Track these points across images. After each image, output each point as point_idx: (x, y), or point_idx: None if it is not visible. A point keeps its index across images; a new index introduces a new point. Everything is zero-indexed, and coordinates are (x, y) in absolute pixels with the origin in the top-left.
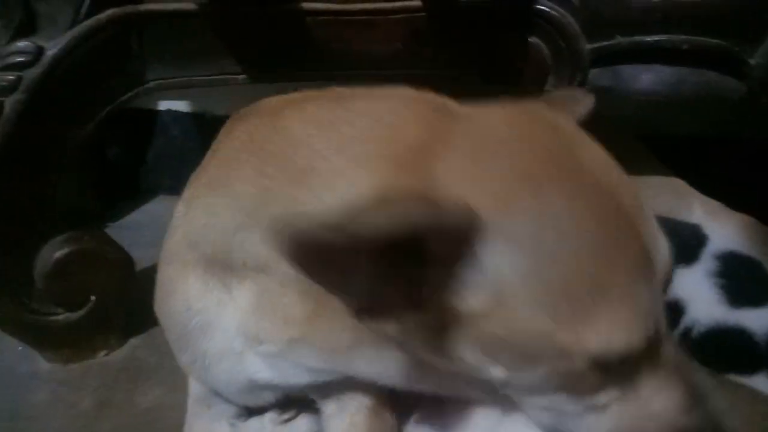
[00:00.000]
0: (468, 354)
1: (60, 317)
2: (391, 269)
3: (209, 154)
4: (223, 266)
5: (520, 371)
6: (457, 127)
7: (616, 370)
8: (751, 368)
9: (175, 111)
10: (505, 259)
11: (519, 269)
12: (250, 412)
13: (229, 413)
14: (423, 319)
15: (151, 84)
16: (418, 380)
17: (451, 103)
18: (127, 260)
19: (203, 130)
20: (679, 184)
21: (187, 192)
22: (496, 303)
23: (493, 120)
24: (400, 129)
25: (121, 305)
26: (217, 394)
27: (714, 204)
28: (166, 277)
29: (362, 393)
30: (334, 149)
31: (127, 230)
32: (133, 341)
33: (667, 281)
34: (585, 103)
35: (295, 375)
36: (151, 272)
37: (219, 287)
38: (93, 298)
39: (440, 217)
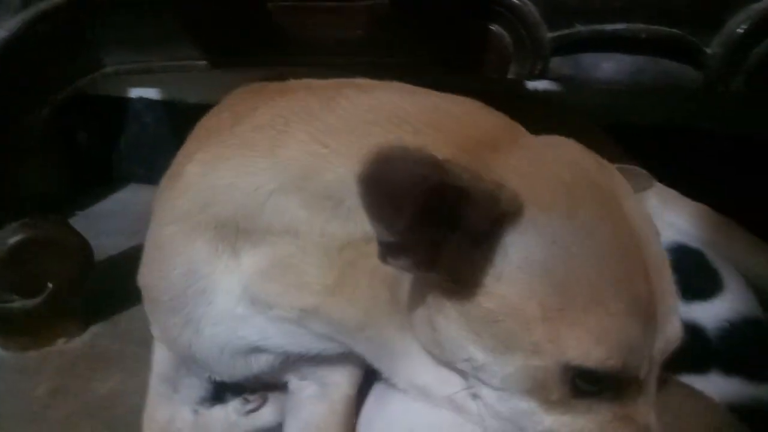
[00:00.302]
0: (456, 325)
1: (16, 304)
2: (430, 223)
3: (225, 118)
4: (237, 229)
5: (498, 357)
6: (523, 137)
7: (583, 390)
8: (705, 366)
9: (147, 98)
10: (524, 248)
11: (533, 260)
12: (216, 398)
13: (194, 398)
14: (434, 277)
15: (109, 69)
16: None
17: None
18: (86, 247)
19: (176, 118)
20: (640, 173)
21: (204, 154)
22: (498, 280)
23: (558, 142)
24: (471, 125)
25: (81, 292)
26: (194, 363)
27: (669, 193)
28: (164, 238)
29: (347, 383)
30: (405, 131)
31: (97, 218)
32: (95, 328)
33: (669, 354)
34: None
35: (303, 341)
36: (120, 259)
37: (228, 252)
38: (50, 285)
39: (494, 191)
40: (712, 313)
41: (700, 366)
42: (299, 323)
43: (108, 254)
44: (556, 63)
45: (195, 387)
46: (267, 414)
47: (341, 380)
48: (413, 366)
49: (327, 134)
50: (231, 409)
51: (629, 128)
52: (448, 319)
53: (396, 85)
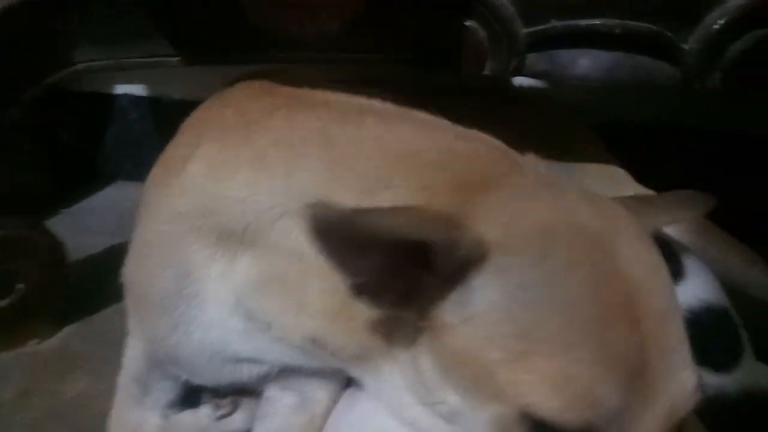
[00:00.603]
0: (432, 366)
1: None
2: (399, 266)
3: (229, 115)
4: (240, 242)
5: (468, 401)
6: (520, 177)
7: None
8: None
9: (132, 95)
10: (489, 292)
11: (496, 304)
12: (186, 402)
13: (165, 402)
14: (406, 315)
15: (80, 66)
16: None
17: (519, 156)
18: (57, 247)
19: (161, 114)
20: (618, 173)
21: (207, 153)
22: (465, 322)
23: (554, 182)
24: (475, 164)
25: (52, 293)
26: (176, 365)
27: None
28: (158, 236)
29: (326, 392)
30: (409, 170)
31: (82, 215)
32: (68, 330)
33: (678, 414)
34: (693, 206)
35: (301, 359)
36: (99, 258)
37: (227, 260)
38: (20, 286)
39: (453, 239)
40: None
41: None
42: (299, 347)
43: (88, 253)
44: (532, 59)
45: (167, 390)
46: (238, 420)
47: (324, 395)
48: (403, 400)
49: (340, 165)
50: (202, 414)
51: (616, 126)
52: (425, 359)
53: (416, 117)
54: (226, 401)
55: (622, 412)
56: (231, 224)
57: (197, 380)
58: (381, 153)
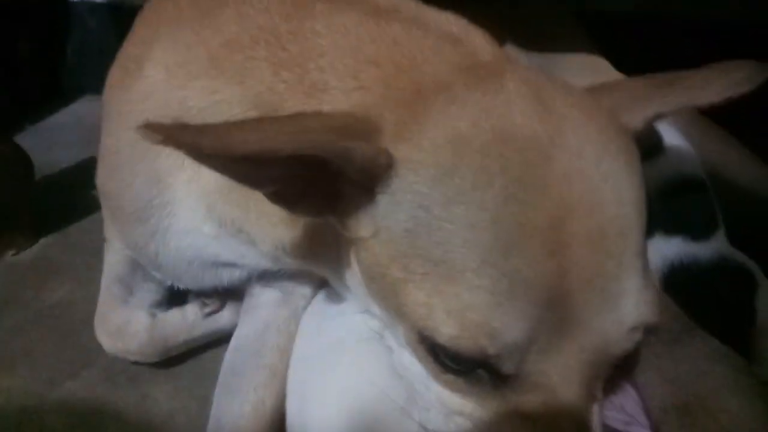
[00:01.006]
0: (357, 276)
1: None
2: (305, 174)
3: (183, 6)
4: None
5: (385, 312)
6: (460, 74)
7: (450, 366)
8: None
9: (90, 2)
10: (393, 208)
11: (400, 221)
12: (171, 301)
13: (150, 302)
14: (323, 221)
15: None
16: None
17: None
18: (26, 160)
19: (122, 22)
20: (601, 63)
21: (164, 54)
22: (374, 236)
23: (510, 78)
24: (413, 61)
25: (24, 206)
26: (159, 271)
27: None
28: (124, 143)
29: (309, 287)
30: (347, 69)
31: (49, 131)
32: (45, 240)
33: (613, 350)
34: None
35: (279, 262)
36: (71, 171)
37: (192, 165)
38: None
39: (350, 153)
40: (652, 172)
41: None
42: (267, 253)
43: (60, 167)
44: None
45: (151, 291)
46: (225, 316)
47: (307, 290)
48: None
49: (285, 67)
50: (188, 312)
51: (601, 15)
52: (351, 269)
53: (374, 4)
54: (213, 299)
55: (529, 345)
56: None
57: (180, 284)
58: (324, 50)
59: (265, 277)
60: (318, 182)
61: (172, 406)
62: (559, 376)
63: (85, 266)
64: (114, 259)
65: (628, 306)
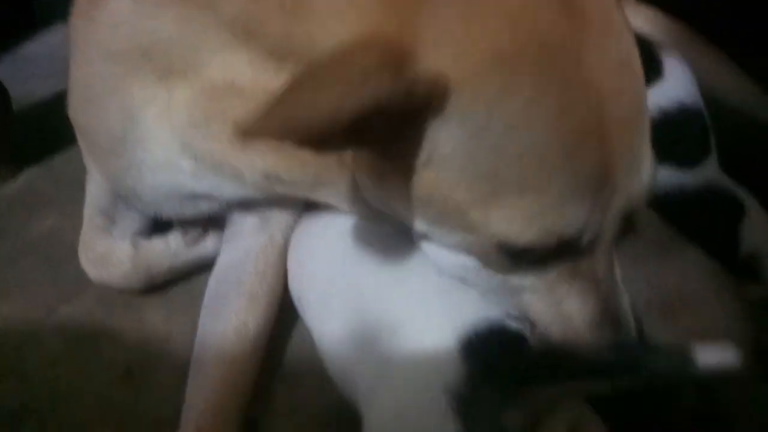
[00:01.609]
0: (397, 200)
1: None
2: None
3: None
4: (181, 79)
5: (438, 229)
6: None
7: (525, 260)
8: None
9: None
10: (449, 137)
11: (459, 147)
12: (154, 229)
13: (133, 231)
14: (366, 157)
15: None
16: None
17: None
18: (2, 92)
19: None
20: None
21: None
22: (426, 165)
23: None
24: None
25: (5, 137)
26: (136, 201)
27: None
28: (94, 76)
29: (288, 212)
30: None
31: (25, 62)
32: (29, 172)
33: (634, 207)
34: None
35: (258, 192)
36: (51, 102)
37: (166, 99)
38: None
39: (404, 86)
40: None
41: None
42: (252, 183)
43: (38, 98)
44: None
45: (134, 220)
46: (209, 244)
47: (283, 215)
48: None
49: None
50: (171, 240)
51: None
52: (388, 193)
53: None
54: (196, 227)
55: (589, 221)
56: (165, 64)
57: (161, 214)
58: None
59: (246, 204)
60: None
61: (168, 327)
62: (606, 228)
63: (70, 196)
64: (95, 189)
65: (646, 168)
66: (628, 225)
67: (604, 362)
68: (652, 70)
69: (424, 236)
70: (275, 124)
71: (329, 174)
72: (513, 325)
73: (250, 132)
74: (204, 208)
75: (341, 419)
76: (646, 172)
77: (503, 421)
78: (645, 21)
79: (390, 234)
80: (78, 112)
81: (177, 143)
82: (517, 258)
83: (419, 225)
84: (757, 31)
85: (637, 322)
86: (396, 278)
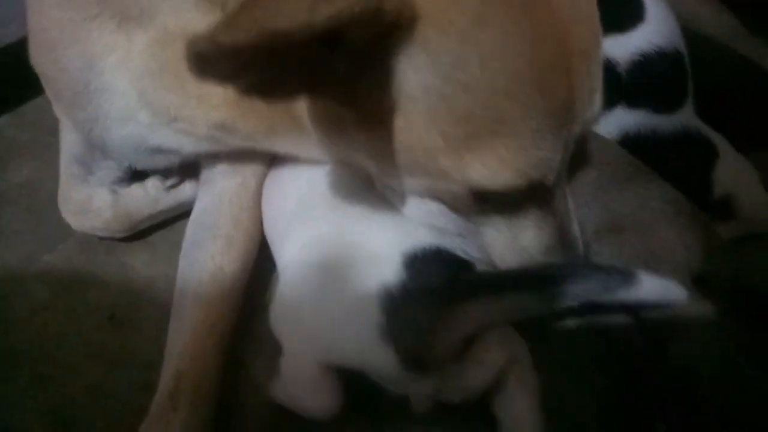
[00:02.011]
0: (359, 150)
1: None
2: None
3: None
4: (137, 26)
5: (406, 177)
6: None
7: (494, 203)
8: (612, 102)
9: None
10: (418, 75)
11: (429, 87)
12: (133, 178)
13: (111, 179)
14: (326, 108)
15: None
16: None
17: None
18: None
19: None
20: None
21: None
22: (394, 110)
23: None
24: None
25: None
26: (109, 153)
27: None
28: (52, 23)
29: (259, 161)
30: None
31: None
32: (2, 120)
33: (584, 134)
34: None
35: (217, 146)
36: (17, 49)
37: (126, 47)
38: None
39: (371, 6)
40: (626, 46)
41: (607, 102)
42: (208, 136)
43: (4, 43)
44: None
45: (111, 169)
46: (187, 189)
47: (255, 165)
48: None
49: None
50: (150, 186)
51: None
52: (350, 145)
53: None
54: (173, 174)
55: (558, 158)
56: (126, 9)
57: (134, 165)
58: None
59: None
60: (304, 61)
61: (151, 273)
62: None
63: (46, 144)
64: (70, 138)
65: (598, 97)
66: (582, 156)
67: (528, 274)
68: (635, 13)
69: (389, 187)
70: (245, 26)
71: (284, 125)
72: (462, 255)
73: (217, 37)
74: (174, 159)
75: None
76: (599, 100)
77: (430, 336)
78: None
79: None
80: (39, 59)
81: (135, 94)
82: (486, 201)
83: (384, 175)
84: None
85: (584, 246)
86: (357, 202)
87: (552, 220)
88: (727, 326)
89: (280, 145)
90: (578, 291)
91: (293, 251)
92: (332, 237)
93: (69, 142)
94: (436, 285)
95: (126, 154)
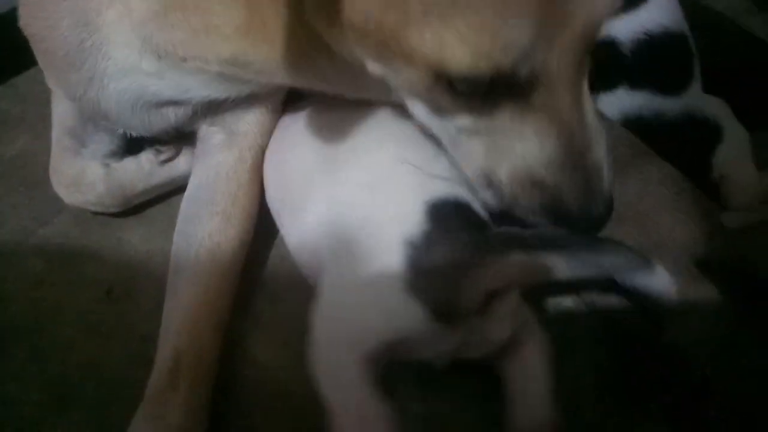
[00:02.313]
0: (340, 42)
1: None
2: None
3: None
4: None
5: (384, 67)
6: None
7: (466, 96)
8: (614, 83)
9: None
10: None
11: None
12: (126, 151)
13: (104, 152)
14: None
15: None
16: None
17: None
18: None
19: None
20: None
21: None
22: None
23: None
24: None
25: None
26: (105, 119)
27: None
28: None
29: (256, 132)
30: None
31: None
32: None
33: (590, 33)
34: None
35: (225, 88)
36: (6, 19)
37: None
38: None
39: None
40: (631, 24)
41: (608, 83)
42: (220, 73)
43: None
44: None
45: (104, 141)
46: (181, 163)
47: (249, 128)
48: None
49: None
50: (144, 160)
51: None
52: (332, 37)
53: None
54: (168, 146)
55: (535, 46)
56: None
57: (130, 131)
58: None
59: (211, 111)
60: None
61: (148, 247)
62: (558, 63)
63: (39, 116)
64: (61, 109)
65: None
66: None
67: (556, 236)
68: None
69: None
70: None
71: (298, 46)
72: (479, 211)
73: None
74: (171, 117)
75: None
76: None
77: (456, 286)
78: None
79: (368, 117)
80: (29, 18)
81: (138, 42)
82: (457, 94)
83: (372, 67)
84: None
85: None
86: (372, 154)
87: (556, 131)
88: (728, 309)
89: (292, 76)
90: (607, 263)
91: (320, 211)
92: (354, 194)
93: (60, 113)
94: (468, 237)
95: (122, 116)
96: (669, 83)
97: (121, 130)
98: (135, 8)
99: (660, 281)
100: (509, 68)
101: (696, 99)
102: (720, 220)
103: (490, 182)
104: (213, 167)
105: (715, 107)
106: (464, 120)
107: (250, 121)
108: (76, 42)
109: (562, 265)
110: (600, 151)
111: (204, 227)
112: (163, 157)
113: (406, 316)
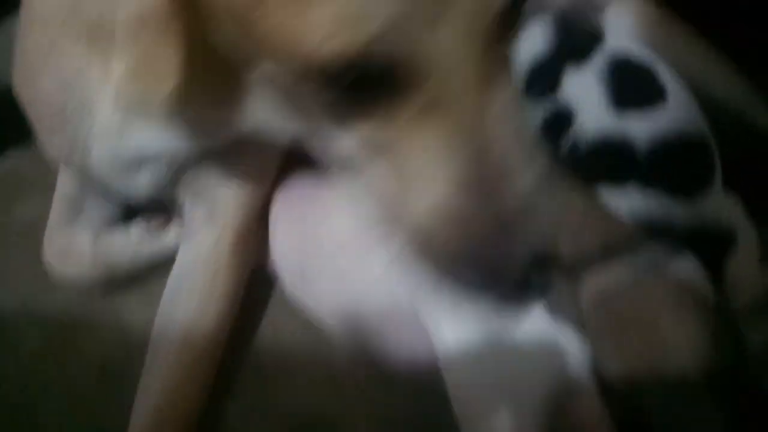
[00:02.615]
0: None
1: None
2: None
3: None
4: (110, 35)
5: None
6: None
7: (345, 92)
8: (624, 179)
9: None
10: None
11: None
12: (120, 219)
13: (98, 220)
14: None
15: None
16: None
17: None
18: None
19: None
20: None
21: None
22: None
23: None
24: None
25: None
26: (90, 180)
27: None
28: (32, 47)
29: (236, 209)
30: None
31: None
32: (14, 154)
33: (484, 10)
34: None
35: (181, 137)
36: None
37: (101, 61)
38: None
39: None
40: (647, 124)
41: (619, 179)
42: (172, 112)
43: None
44: None
45: (100, 208)
46: (171, 235)
47: (230, 202)
48: None
49: None
50: (134, 232)
51: None
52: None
53: None
54: (159, 217)
55: (409, 20)
56: (93, 17)
57: (116, 195)
58: None
59: (193, 179)
60: None
61: (146, 325)
62: (448, 50)
63: (53, 181)
64: (63, 175)
65: None
66: None
67: None
68: (655, 94)
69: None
70: None
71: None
72: None
73: None
74: (151, 177)
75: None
76: None
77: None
78: (640, 21)
79: None
80: (21, 88)
81: (116, 100)
82: (330, 91)
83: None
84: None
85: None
86: None
87: (459, 140)
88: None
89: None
90: None
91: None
92: None
93: (63, 179)
94: None
95: (106, 175)
96: (683, 187)
97: (113, 196)
98: (116, 69)
99: None
100: (376, 51)
101: (712, 208)
102: (729, 320)
103: (400, 217)
104: (194, 246)
105: (729, 209)
106: (361, 131)
107: (230, 195)
108: (60, 105)
109: None
110: (523, 183)
111: (183, 307)
112: (152, 226)
113: None
